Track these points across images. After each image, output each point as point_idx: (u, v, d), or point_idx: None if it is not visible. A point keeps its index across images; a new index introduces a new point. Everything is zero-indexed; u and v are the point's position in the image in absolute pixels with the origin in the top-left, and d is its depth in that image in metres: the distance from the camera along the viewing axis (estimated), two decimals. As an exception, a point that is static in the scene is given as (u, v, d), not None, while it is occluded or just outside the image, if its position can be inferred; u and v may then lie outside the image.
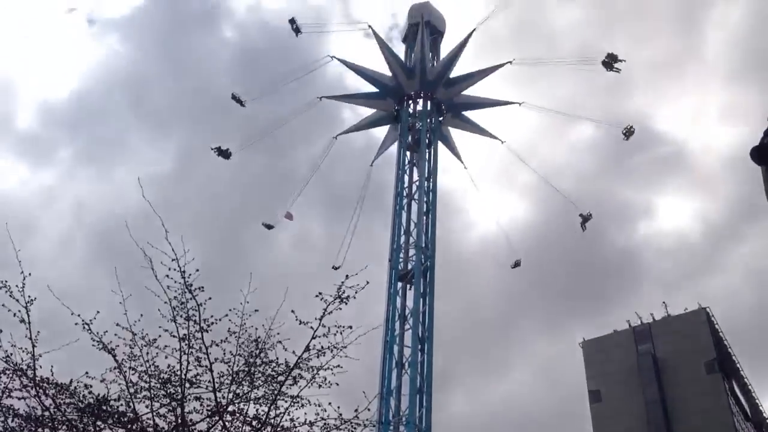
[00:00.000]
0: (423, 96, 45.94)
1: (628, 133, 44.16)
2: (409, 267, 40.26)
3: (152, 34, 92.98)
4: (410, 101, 46.06)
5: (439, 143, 45.77)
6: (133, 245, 12.91)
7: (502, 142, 46.44)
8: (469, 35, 45.92)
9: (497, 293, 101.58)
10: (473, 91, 46.76)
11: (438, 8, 48.33)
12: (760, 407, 79.02)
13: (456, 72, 46.52)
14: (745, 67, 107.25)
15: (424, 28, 46.04)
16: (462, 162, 46.71)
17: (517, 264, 44.69)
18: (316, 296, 12.81)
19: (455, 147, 46.73)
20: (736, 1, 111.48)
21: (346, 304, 12.88)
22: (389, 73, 46.18)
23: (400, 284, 40.19)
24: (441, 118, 46.30)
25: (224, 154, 45.00)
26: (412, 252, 40.92)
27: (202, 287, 12.76)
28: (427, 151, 43.96)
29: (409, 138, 44.56)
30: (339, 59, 47.02)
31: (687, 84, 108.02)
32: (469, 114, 47.16)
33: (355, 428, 12.76)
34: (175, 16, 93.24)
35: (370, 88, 47.29)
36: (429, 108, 45.73)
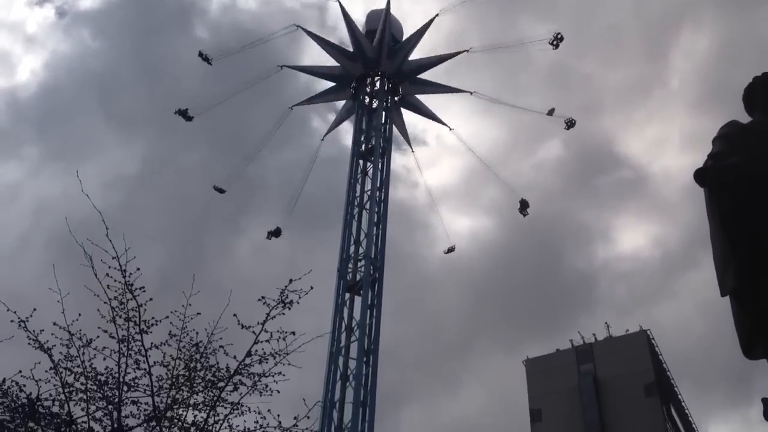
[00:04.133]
0: (381, 74, 46.72)
1: (570, 124, 45.65)
2: (359, 278, 40.24)
3: (125, 30, 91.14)
4: (368, 78, 46.95)
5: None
6: (88, 245, 12.58)
7: (450, 129, 47.86)
8: (431, 21, 47.17)
9: (457, 311, 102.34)
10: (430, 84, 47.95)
11: (396, 17, 48.94)
12: (696, 431, 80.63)
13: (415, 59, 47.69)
14: (709, 96, 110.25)
15: (385, 16, 46.42)
16: (410, 146, 48.59)
17: (450, 250, 47.47)
18: (259, 300, 12.67)
19: (406, 131, 48.18)
20: (703, 31, 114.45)
21: (290, 309, 12.76)
22: (351, 48, 46.96)
23: (348, 295, 40.12)
24: (396, 98, 47.24)
25: (185, 115, 45.08)
26: (362, 263, 40.92)
27: (143, 287, 12.54)
28: (380, 161, 44.11)
29: (363, 147, 44.82)
30: (303, 28, 47.68)
31: (652, 110, 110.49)
32: (424, 100, 48.29)
33: (294, 437, 12.61)
34: (148, 12, 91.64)
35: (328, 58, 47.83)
36: (386, 87, 46.73)
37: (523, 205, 46.54)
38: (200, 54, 45.08)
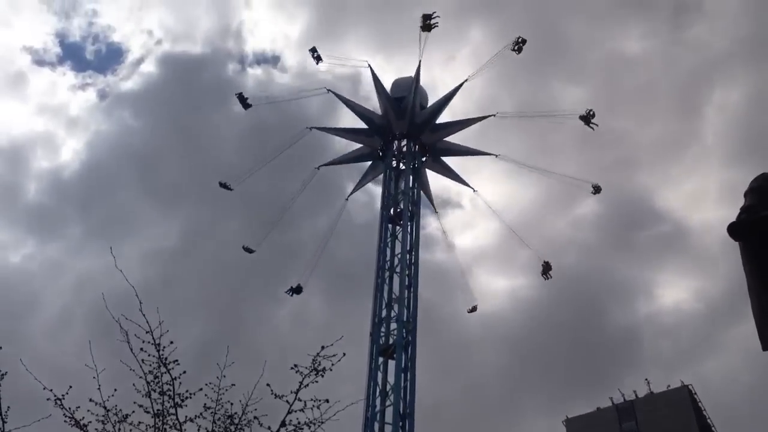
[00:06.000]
0: (408, 136, 47.35)
1: (596, 190, 46.00)
2: (391, 341, 39.95)
3: (163, 108, 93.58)
4: (395, 141, 47.62)
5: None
6: (124, 321, 12.72)
7: (474, 191, 48.45)
8: (460, 85, 47.90)
9: (498, 372, 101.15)
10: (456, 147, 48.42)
11: (422, 85, 49.78)
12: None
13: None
14: (744, 148, 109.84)
15: (415, 80, 47.28)
16: (434, 206, 48.85)
17: (473, 309, 47.39)
18: (291, 368, 12.65)
19: (430, 193, 48.47)
20: (736, 84, 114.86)
21: (323, 376, 12.71)
22: (379, 113, 47.84)
23: (381, 359, 39.79)
24: (423, 159, 47.74)
25: (226, 187, 46.24)
26: (393, 326, 40.67)
27: (177, 360, 12.59)
28: (409, 224, 44.22)
29: (392, 210, 45.04)
30: (333, 92, 48.72)
31: (688, 164, 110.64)
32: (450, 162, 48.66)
33: None
34: (186, 90, 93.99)
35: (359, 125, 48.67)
36: (413, 149, 47.24)
37: (545, 269, 46.23)
38: (239, 96, 46.67)
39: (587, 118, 44.58)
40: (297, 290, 46.17)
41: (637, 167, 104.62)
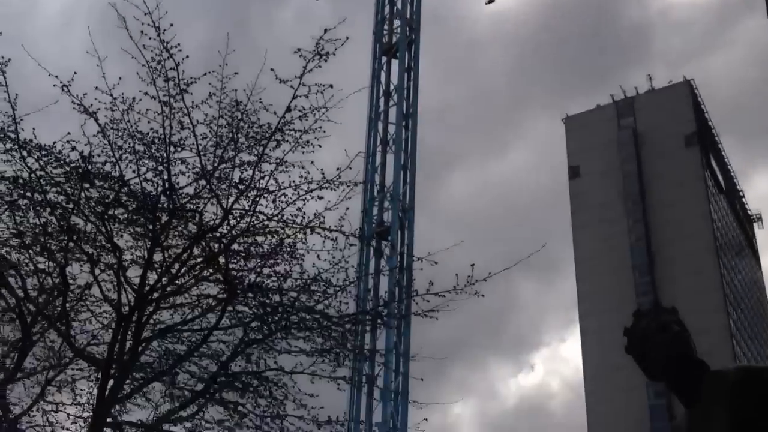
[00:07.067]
0: None
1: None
2: (395, 40, 39.42)
3: None
4: None
5: None
6: (121, 6, 12.28)
7: None
8: None
9: (505, 71, 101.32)
10: None
11: None
12: (735, 180, 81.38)
13: None
14: None
15: None
16: None
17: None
18: (295, 52, 12.52)
19: None
20: None
21: (326, 60, 12.63)
22: None
23: (384, 58, 39.55)
24: None
25: None
26: (397, 23, 39.89)
27: (179, 45, 12.39)
28: None
29: None
30: None
31: None
32: None
33: (337, 187, 12.97)
34: None
35: None
36: None
37: None
38: None
39: None
40: None
41: None
